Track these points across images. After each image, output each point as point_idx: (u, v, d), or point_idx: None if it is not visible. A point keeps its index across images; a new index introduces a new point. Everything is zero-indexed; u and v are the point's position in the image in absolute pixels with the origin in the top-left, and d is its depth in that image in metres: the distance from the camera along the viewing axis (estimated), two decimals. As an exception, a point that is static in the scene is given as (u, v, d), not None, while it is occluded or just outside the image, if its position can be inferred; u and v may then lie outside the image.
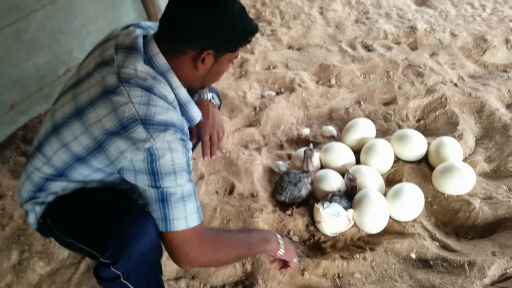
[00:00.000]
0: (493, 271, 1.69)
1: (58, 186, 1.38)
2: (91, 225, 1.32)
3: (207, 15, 1.24)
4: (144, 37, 1.34)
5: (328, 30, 3.48)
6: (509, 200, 1.96)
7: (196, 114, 1.41)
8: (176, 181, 1.24)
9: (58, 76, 2.86)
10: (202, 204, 2.02)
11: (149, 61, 1.28)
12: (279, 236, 1.52)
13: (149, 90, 1.23)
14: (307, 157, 2.06)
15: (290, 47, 3.34)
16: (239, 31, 1.30)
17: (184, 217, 1.25)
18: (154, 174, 1.22)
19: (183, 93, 1.33)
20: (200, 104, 1.66)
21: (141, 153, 1.20)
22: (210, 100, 1.70)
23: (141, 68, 1.25)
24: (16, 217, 2.12)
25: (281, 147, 2.47)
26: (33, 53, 2.65)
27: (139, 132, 1.18)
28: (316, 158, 2.07)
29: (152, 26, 1.46)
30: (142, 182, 1.24)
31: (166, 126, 1.21)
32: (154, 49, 1.30)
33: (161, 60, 1.29)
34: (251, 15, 3.71)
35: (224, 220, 1.99)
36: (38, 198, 1.41)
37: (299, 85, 2.85)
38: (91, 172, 1.32)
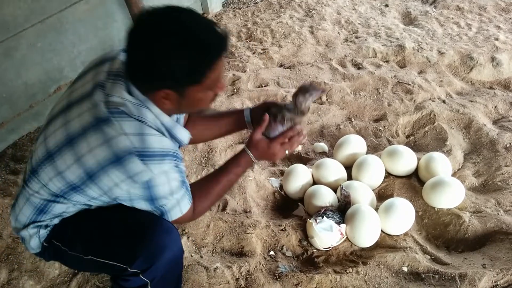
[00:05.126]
0: (484, 284, 1.70)
1: (60, 208, 1.36)
2: (115, 238, 1.34)
3: (145, 56, 1.13)
4: None
5: (319, 48, 3.53)
6: (497, 214, 1.99)
7: (184, 135, 1.36)
8: (173, 196, 1.30)
9: (49, 94, 2.86)
10: (196, 222, 2.02)
11: (129, 89, 1.22)
12: (248, 153, 1.50)
13: (139, 119, 1.20)
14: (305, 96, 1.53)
15: (281, 65, 3.38)
16: (185, 68, 1.14)
17: (178, 208, 1.34)
18: (152, 199, 1.27)
19: (166, 118, 1.28)
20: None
21: (138, 185, 1.20)
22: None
23: (127, 96, 1.21)
24: (5, 236, 2.10)
25: (273, 163, 2.48)
26: (23, 71, 2.66)
27: (136, 164, 1.16)
28: (311, 100, 1.55)
29: None
30: (139, 205, 1.29)
31: (162, 156, 1.20)
32: None
33: (136, 90, 1.23)
34: (242, 34, 3.79)
35: (217, 236, 1.99)
36: (42, 221, 1.38)
37: (291, 102, 2.87)
38: (90, 199, 1.32)
